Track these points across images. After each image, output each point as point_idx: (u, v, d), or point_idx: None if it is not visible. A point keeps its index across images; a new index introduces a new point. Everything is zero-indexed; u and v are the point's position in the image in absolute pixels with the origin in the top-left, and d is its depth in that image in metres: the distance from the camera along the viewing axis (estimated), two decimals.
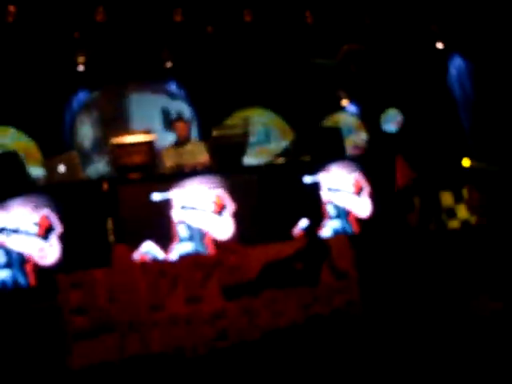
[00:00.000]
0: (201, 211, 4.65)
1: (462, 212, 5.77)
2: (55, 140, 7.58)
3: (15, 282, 4.24)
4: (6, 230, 4.33)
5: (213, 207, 4.68)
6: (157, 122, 7.72)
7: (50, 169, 4.86)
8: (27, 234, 4.29)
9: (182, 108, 8.05)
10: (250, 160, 7.41)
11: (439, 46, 8.42)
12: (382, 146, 7.93)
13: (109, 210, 4.37)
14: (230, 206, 4.74)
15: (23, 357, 3.58)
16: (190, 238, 4.56)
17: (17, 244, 4.31)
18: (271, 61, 8.28)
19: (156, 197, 4.50)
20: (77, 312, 3.71)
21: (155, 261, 4.15)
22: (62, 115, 7.95)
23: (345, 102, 9.03)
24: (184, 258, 4.21)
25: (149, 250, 4.41)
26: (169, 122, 7.36)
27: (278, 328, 4.00)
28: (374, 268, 4.70)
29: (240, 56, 8.21)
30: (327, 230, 5.08)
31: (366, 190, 5.43)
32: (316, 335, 3.92)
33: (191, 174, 4.68)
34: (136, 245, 4.32)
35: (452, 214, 5.75)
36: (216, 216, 4.68)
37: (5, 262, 4.23)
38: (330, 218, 5.12)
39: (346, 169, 5.46)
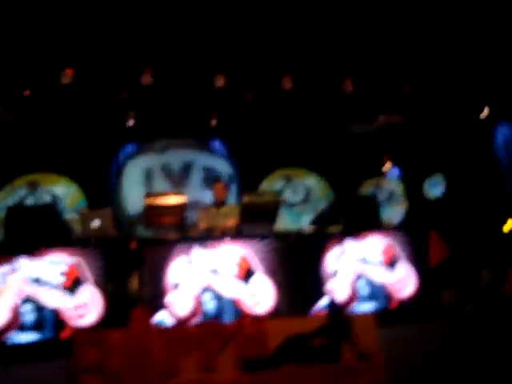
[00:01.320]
0: (226, 276, 4.63)
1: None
2: (101, 190, 7.86)
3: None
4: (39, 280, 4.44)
5: (237, 272, 4.65)
6: (197, 180, 7.87)
7: (85, 221, 5.02)
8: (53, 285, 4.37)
9: (224, 166, 8.21)
10: (286, 222, 7.43)
11: (485, 112, 8.29)
12: (420, 215, 7.73)
13: (134, 269, 4.42)
14: (256, 272, 4.70)
15: None
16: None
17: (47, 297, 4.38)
18: (312, 125, 8.38)
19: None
20: (91, 371, 3.71)
21: (173, 326, 4.12)
22: (108, 166, 8.27)
23: (387, 167, 8.96)
24: (202, 326, 4.16)
25: (162, 319, 4.41)
26: (210, 180, 7.50)
27: None
28: (404, 348, 4.50)
29: (281, 118, 8.37)
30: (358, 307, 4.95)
31: (400, 263, 5.26)
32: None
33: (219, 237, 4.70)
34: (154, 309, 4.32)
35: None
36: (241, 282, 4.65)
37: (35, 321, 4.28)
38: (361, 298, 4.97)
39: (380, 240, 5.34)
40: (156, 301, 4.37)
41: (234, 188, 7.69)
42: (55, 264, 4.42)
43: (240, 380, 3.90)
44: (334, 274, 4.91)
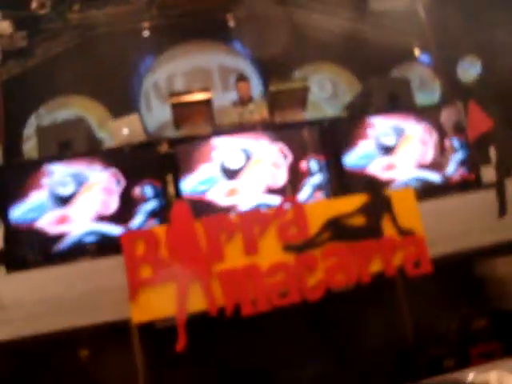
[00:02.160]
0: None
1: None
2: (125, 104, 7.81)
3: None
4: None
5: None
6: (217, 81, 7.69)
7: (115, 131, 5.02)
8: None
9: (245, 66, 7.97)
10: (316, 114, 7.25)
11: None
12: (456, 96, 7.40)
13: (168, 169, 4.43)
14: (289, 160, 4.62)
15: None
16: None
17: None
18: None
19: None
20: (141, 263, 3.85)
21: (214, 216, 4.17)
22: (130, 80, 8.17)
23: (417, 52, 8.53)
24: (242, 214, 4.20)
25: None
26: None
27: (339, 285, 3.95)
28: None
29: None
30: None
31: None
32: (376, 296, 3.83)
33: (250, 129, 4.61)
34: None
35: None
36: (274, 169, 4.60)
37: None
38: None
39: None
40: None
41: (257, 87, 7.49)
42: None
43: (284, 261, 3.99)
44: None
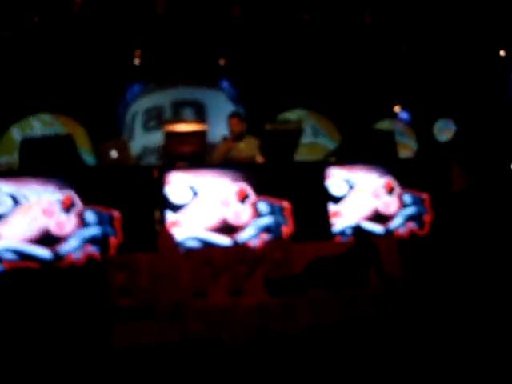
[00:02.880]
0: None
1: None
2: (107, 129, 7.71)
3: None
4: None
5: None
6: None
7: (102, 154, 4.94)
8: None
9: (232, 106, 8.06)
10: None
11: (502, 53, 8.12)
12: (433, 155, 7.70)
13: (157, 198, 4.38)
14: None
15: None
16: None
17: None
18: (323, 63, 8.19)
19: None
20: (122, 293, 3.73)
21: (200, 249, 4.12)
22: (115, 106, 8.11)
23: (397, 109, 8.85)
24: (229, 249, 4.17)
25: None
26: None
27: (320, 325, 3.90)
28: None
29: (290, 57, 8.17)
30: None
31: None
32: (358, 335, 3.80)
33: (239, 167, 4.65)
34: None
35: None
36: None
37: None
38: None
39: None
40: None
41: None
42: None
43: (267, 303, 3.94)
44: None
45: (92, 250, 4.24)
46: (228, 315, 3.82)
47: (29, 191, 4.26)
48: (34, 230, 4.20)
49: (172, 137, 4.61)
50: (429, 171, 5.35)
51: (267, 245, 4.14)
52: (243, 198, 4.59)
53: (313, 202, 4.79)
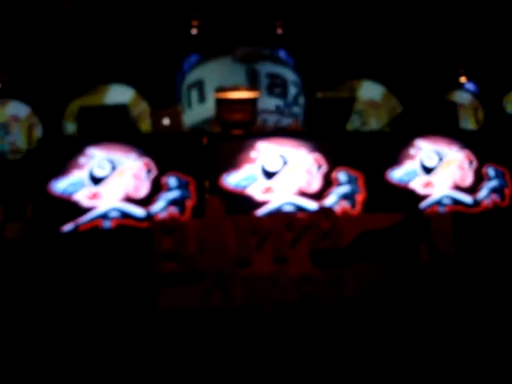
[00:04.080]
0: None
1: None
2: (165, 97, 7.81)
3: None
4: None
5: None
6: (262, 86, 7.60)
7: (156, 120, 5.01)
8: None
9: (289, 75, 7.90)
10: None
11: None
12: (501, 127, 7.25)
13: (207, 166, 4.42)
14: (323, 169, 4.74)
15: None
16: None
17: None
18: (385, 31, 7.84)
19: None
20: (167, 257, 3.80)
21: (247, 216, 4.12)
22: (173, 75, 8.18)
23: (463, 80, 8.37)
24: (276, 217, 4.13)
25: None
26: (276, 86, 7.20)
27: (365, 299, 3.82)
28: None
29: (352, 24, 7.87)
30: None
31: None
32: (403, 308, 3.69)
33: (293, 134, 4.59)
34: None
35: None
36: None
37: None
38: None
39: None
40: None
41: (301, 99, 7.40)
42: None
43: (312, 274, 3.89)
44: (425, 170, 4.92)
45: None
46: (272, 284, 3.81)
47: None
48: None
49: (223, 104, 4.59)
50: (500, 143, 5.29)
51: (315, 214, 4.06)
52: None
53: (380, 172, 4.84)
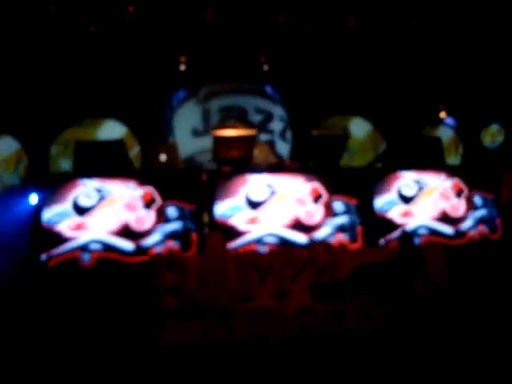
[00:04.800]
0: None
1: None
2: (154, 133, 7.89)
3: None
4: None
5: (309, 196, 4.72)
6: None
7: (151, 157, 5.08)
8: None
9: (277, 111, 8.11)
10: None
11: None
12: (480, 161, 7.53)
13: (206, 200, 4.47)
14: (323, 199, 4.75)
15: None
16: None
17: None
18: (368, 69, 8.14)
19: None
20: (169, 292, 3.84)
21: (248, 252, 4.19)
22: (161, 111, 8.29)
23: (443, 115, 8.69)
24: (276, 253, 4.21)
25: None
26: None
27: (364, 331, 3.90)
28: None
29: (335, 63, 8.15)
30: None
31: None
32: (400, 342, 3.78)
33: (291, 170, 4.70)
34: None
35: None
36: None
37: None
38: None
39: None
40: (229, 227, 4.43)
41: (289, 134, 7.59)
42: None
43: (312, 307, 3.97)
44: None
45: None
46: (273, 317, 3.87)
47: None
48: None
49: (220, 141, 4.70)
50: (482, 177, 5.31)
51: (314, 248, 4.16)
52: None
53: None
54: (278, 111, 8.07)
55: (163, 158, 4.97)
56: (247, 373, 3.70)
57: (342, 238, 4.60)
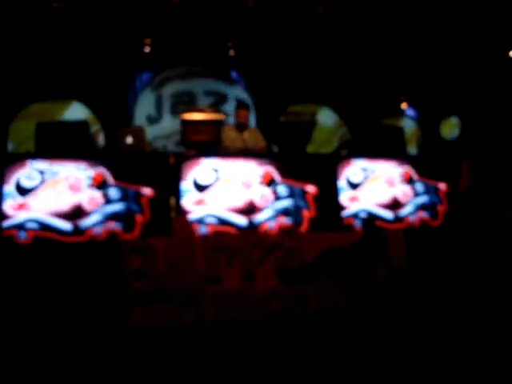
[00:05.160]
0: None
1: None
2: (116, 115, 7.78)
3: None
4: None
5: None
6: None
7: (116, 140, 5.01)
8: None
9: (241, 95, 8.13)
10: None
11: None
12: (439, 152, 7.80)
13: (173, 185, 4.46)
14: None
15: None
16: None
17: None
18: (334, 56, 8.25)
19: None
20: (137, 276, 3.83)
21: (215, 235, 4.22)
22: (124, 93, 8.17)
23: (404, 106, 8.93)
24: (243, 235, 4.26)
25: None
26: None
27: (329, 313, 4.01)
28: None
29: (300, 49, 8.22)
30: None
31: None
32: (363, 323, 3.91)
33: (259, 155, 4.75)
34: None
35: None
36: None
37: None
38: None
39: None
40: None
41: (252, 118, 7.63)
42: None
43: (278, 290, 4.05)
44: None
45: (114, 226, 4.34)
46: (241, 300, 3.93)
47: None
48: (59, 204, 4.35)
49: (189, 125, 4.69)
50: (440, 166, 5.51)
51: (280, 232, 4.24)
52: (268, 182, 4.73)
53: (332, 191, 4.94)
54: (233, 92, 8.09)
55: (129, 140, 4.92)
56: (217, 355, 3.75)
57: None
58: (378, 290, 4.20)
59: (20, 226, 4.25)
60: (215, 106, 7.71)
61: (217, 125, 4.73)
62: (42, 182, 4.35)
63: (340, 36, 8.07)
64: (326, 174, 4.95)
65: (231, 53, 8.43)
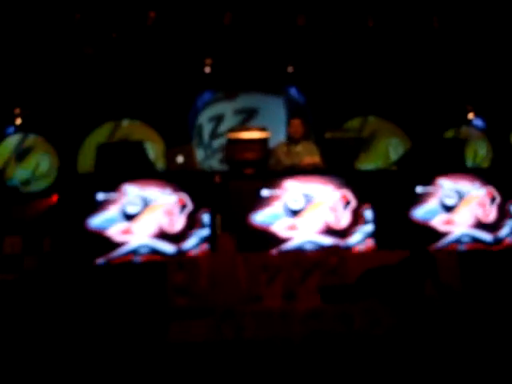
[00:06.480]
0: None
1: None
2: (179, 135, 8.07)
3: None
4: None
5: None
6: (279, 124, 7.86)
7: (170, 158, 5.21)
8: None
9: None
10: None
11: None
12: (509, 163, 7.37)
13: (219, 202, 4.57)
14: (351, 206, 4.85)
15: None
16: None
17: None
18: (394, 69, 8.07)
19: (265, 193, 4.63)
20: (179, 292, 3.94)
21: (258, 253, 4.25)
22: (186, 113, 8.46)
23: (471, 116, 8.54)
24: (286, 254, 4.26)
25: None
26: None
27: (372, 335, 3.89)
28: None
29: (361, 63, 8.12)
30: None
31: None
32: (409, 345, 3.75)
33: (307, 172, 4.74)
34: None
35: None
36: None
37: None
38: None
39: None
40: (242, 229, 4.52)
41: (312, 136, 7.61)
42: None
43: (320, 309, 3.99)
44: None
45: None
46: (281, 319, 3.91)
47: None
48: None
49: (234, 144, 4.78)
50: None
51: (323, 251, 4.19)
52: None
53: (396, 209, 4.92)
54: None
55: (180, 159, 5.08)
56: (254, 372, 3.76)
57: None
58: (427, 311, 4.02)
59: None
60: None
61: (262, 143, 4.78)
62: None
63: (400, 48, 7.90)
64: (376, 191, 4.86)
65: (289, 69, 8.49)
